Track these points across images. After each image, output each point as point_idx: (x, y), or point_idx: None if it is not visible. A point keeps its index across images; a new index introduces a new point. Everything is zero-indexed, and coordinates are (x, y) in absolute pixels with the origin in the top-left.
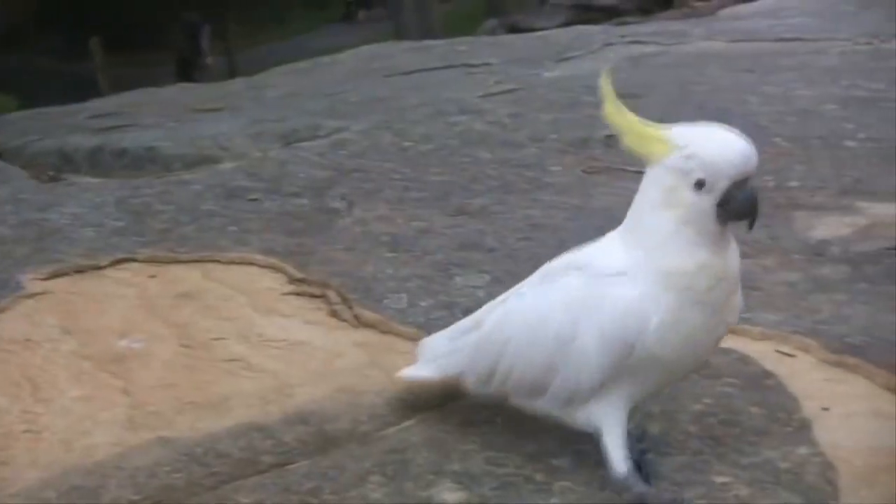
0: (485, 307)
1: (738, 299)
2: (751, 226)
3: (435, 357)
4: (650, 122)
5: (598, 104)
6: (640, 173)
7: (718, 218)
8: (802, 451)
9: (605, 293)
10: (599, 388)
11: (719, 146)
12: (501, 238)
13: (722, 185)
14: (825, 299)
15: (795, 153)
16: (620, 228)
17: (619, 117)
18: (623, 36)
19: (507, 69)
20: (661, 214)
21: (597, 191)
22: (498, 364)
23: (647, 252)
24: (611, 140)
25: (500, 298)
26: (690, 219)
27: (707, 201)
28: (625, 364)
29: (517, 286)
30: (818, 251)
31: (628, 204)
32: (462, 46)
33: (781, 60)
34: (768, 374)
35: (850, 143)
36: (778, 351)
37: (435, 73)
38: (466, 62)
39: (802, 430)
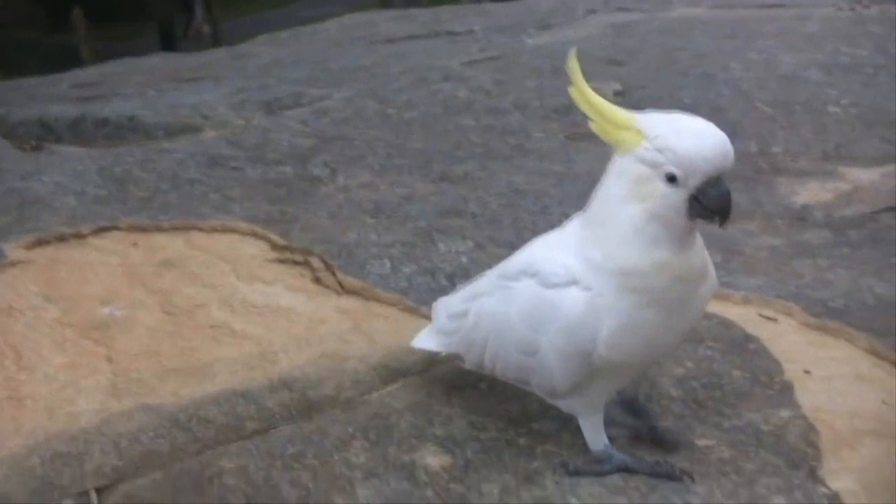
0: (473, 285)
1: (705, 289)
2: (721, 223)
3: (438, 331)
4: (620, 108)
5: (581, 71)
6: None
7: (689, 214)
8: (784, 413)
9: (556, 305)
10: (574, 388)
11: (694, 140)
12: (484, 204)
13: (694, 181)
14: (807, 264)
15: (778, 119)
16: (582, 217)
17: (588, 101)
18: (606, 3)
19: (491, 36)
20: (627, 207)
21: (580, 157)
22: (484, 356)
23: (604, 250)
24: None
25: (485, 279)
26: (659, 212)
27: (678, 196)
28: (589, 368)
29: (492, 271)
30: (800, 216)
31: None
32: (446, 14)
33: (764, 26)
34: (750, 338)
35: (832, 109)
36: (760, 315)
37: (418, 40)
38: (450, 30)
39: (784, 392)
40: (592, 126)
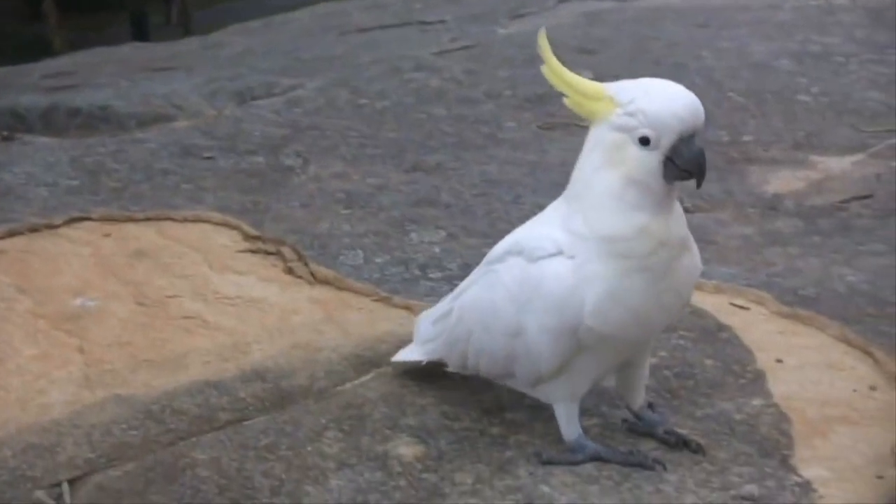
0: (457, 289)
1: (688, 262)
2: (699, 184)
3: (422, 340)
4: (591, 80)
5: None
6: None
7: (665, 176)
8: (756, 402)
9: (541, 277)
10: (560, 370)
11: (663, 100)
12: (457, 194)
13: (667, 140)
14: (779, 252)
15: (749, 108)
16: (563, 195)
17: (559, 77)
18: None
19: (463, 26)
20: (605, 174)
21: (552, 146)
22: (467, 354)
23: (587, 219)
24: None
25: (468, 279)
26: (635, 177)
27: (653, 158)
28: (577, 344)
29: (478, 267)
30: (772, 205)
31: None
32: (418, 4)
33: (736, 16)
34: (722, 327)
35: (803, 98)
36: (732, 304)
37: (390, 30)
38: (422, 19)
39: (756, 381)
40: (567, 101)
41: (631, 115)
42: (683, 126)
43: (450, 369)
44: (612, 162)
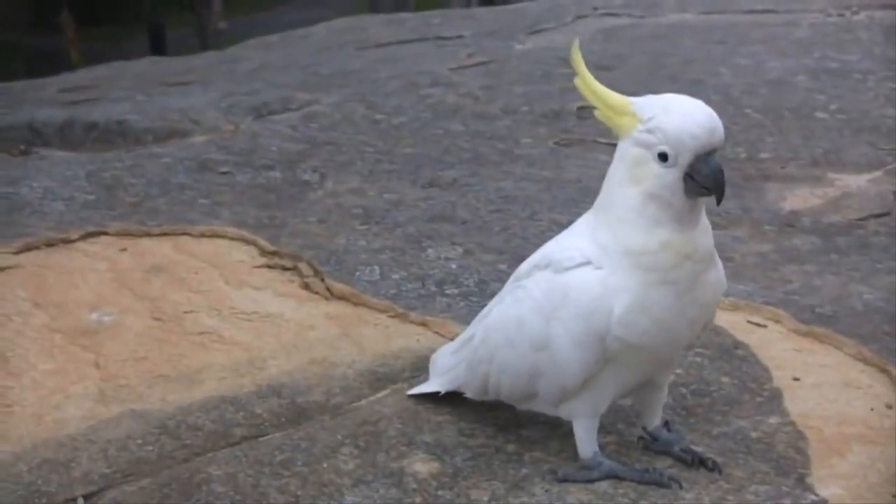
0: (478, 316)
1: (714, 277)
2: (718, 201)
3: (440, 373)
4: (620, 95)
5: (570, 76)
6: (612, 145)
7: (686, 192)
8: (773, 420)
9: (568, 287)
10: (586, 383)
11: (682, 118)
12: (473, 210)
13: (685, 158)
14: (796, 270)
15: (767, 125)
16: (593, 207)
17: (591, 89)
18: (596, 8)
19: (480, 42)
20: (627, 189)
21: (568, 162)
22: (488, 378)
23: (613, 232)
24: (583, 112)
25: (490, 305)
26: (655, 193)
27: (672, 174)
28: (604, 353)
29: (501, 292)
30: (789, 222)
31: (600, 176)
32: (435, 19)
33: (753, 32)
34: (739, 345)
35: (821, 115)
36: (749, 321)
37: (408, 45)
38: (439, 35)
39: (773, 399)
40: (597, 114)
41: (651, 131)
42: (701, 144)
43: (468, 396)
44: (634, 177)
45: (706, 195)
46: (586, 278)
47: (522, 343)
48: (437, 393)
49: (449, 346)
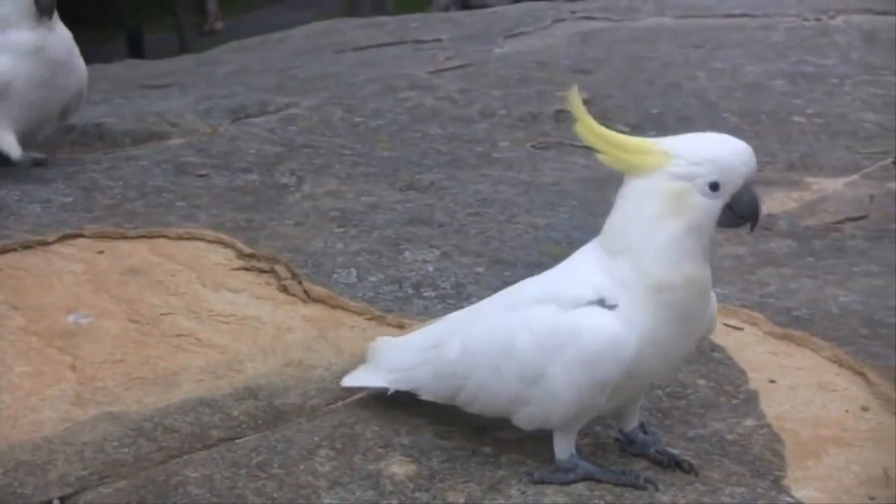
0: (442, 322)
1: (709, 312)
2: (752, 228)
3: (387, 369)
4: (631, 136)
5: (548, 80)
6: (590, 148)
7: (720, 222)
8: (749, 423)
9: (576, 329)
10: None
11: (729, 149)
12: (451, 213)
13: (734, 186)
14: (772, 273)
15: (744, 128)
16: (597, 244)
17: (596, 134)
18: (573, 12)
19: (458, 45)
20: (665, 224)
21: (546, 166)
22: (460, 392)
23: (639, 269)
24: (560, 115)
25: (458, 315)
26: (696, 224)
27: (716, 205)
28: (602, 401)
29: (477, 304)
30: (766, 225)
31: (577, 179)
32: (413, 23)
33: (730, 36)
34: (715, 347)
35: (797, 119)
36: (725, 324)
37: (386, 49)
38: (417, 38)
39: (749, 402)
40: (601, 157)
41: (697, 163)
42: (749, 171)
43: (424, 398)
44: (672, 211)
45: (741, 225)
46: (597, 322)
47: (511, 372)
48: (386, 390)
49: (398, 342)
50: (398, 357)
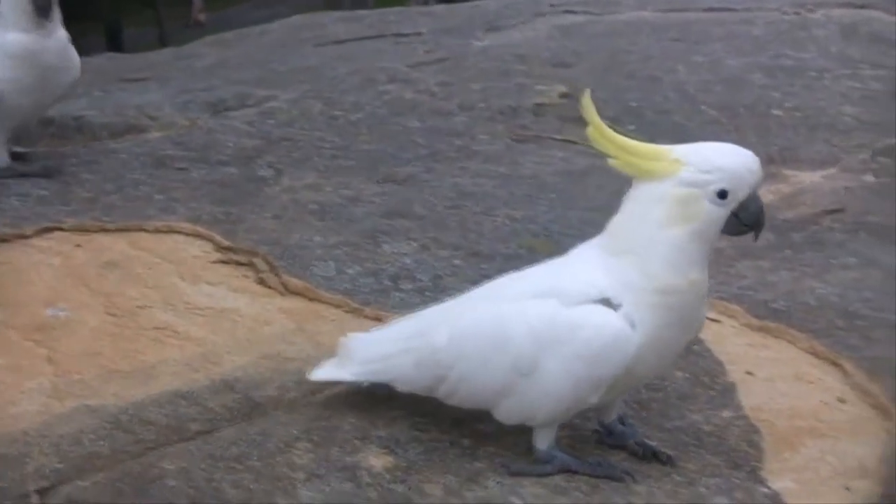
0: (418, 316)
1: (703, 313)
2: (756, 236)
3: (361, 361)
4: (644, 142)
5: (528, 73)
6: (569, 142)
7: (724, 229)
8: (726, 414)
9: (579, 325)
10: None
11: (737, 157)
12: (430, 206)
13: (742, 193)
14: (750, 266)
15: (723, 121)
16: (600, 245)
17: (608, 139)
18: (553, 5)
19: (438, 38)
20: (671, 230)
21: (525, 159)
22: (442, 383)
23: (644, 272)
24: (539, 109)
25: (437, 308)
26: (702, 231)
27: (723, 212)
28: (596, 399)
29: (459, 297)
30: None
31: (556, 172)
32: (393, 16)
33: (710, 30)
34: (694, 340)
35: (776, 112)
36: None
37: (365, 42)
38: (397, 31)
39: (726, 393)
40: (613, 163)
41: (706, 171)
42: (756, 179)
43: (401, 390)
44: (680, 217)
45: (744, 233)
46: (602, 320)
47: (502, 362)
48: (360, 384)
49: (369, 336)
50: (372, 349)
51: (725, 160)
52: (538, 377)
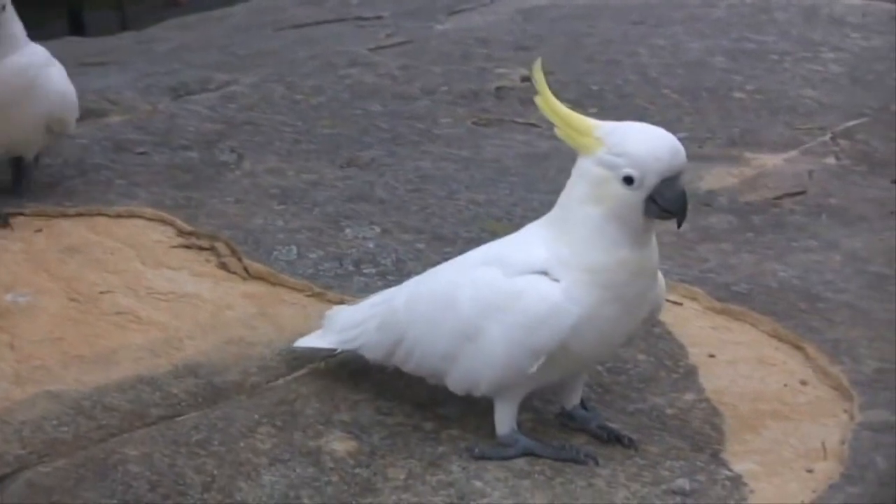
0: (396, 288)
1: (654, 294)
2: (679, 223)
3: (338, 329)
4: (582, 115)
5: (489, 57)
6: (530, 125)
7: (646, 213)
8: (688, 397)
9: (519, 293)
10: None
11: (647, 143)
12: (391, 189)
13: (650, 181)
14: (712, 248)
15: (684, 105)
16: (546, 218)
17: (552, 109)
18: None
19: (399, 22)
20: (587, 208)
21: (487, 142)
22: (400, 345)
23: (573, 248)
24: (501, 92)
25: (411, 281)
26: (616, 213)
27: (635, 197)
28: (533, 369)
29: (430, 271)
30: (706, 201)
31: (518, 155)
32: (354, 0)
33: (671, 13)
34: (655, 322)
35: (738, 95)
36: (665, 300)
37: (326, 26)
38: (358, 15)
39: (688, 376)
40: (557, 132)
41: (617, 154)
42: (665, 166)
43: (368, 357)
44: (596, 197)
45: (667, 218)
46: (541, 290)
47: (448, 324)
48: (334, 351)
49: (352, 306)
50: (348, 317)
51: (636, 146)
52: (481, 343)
